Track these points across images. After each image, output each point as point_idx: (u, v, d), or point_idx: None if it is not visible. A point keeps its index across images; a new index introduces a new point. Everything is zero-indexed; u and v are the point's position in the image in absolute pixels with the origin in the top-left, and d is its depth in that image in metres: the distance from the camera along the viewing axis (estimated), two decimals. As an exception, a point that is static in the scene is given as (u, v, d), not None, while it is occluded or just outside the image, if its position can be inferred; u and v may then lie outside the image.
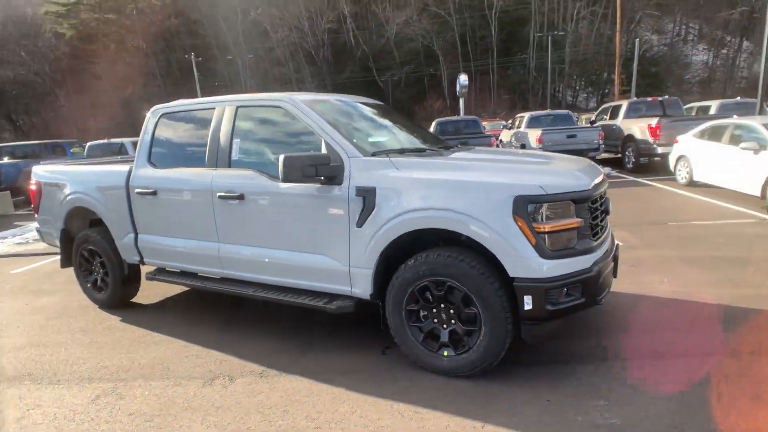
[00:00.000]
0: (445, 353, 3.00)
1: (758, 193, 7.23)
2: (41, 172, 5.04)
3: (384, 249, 3.02)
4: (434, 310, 3.02)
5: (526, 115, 15.54)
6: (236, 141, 3.67)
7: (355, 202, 3.08)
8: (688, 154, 9.44)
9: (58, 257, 5.12)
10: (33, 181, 5.07)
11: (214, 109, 3.83)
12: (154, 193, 4.00)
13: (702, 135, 9.10)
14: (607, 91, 46.52)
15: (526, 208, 2.68)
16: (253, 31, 50.72)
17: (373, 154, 3.22)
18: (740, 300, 3.88)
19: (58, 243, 4.99)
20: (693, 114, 14.09)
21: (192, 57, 41.67)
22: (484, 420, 2.56)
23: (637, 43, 34.32)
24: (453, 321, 2.97)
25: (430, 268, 2.90)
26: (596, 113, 16.04)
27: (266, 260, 3.53)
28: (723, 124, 8.71)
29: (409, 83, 49.65)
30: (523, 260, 2.69)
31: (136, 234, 4.27)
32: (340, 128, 3.35)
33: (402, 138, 4.07)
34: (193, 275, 4.11)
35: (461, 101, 24.42)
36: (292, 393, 2.95)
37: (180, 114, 4.12)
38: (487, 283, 2.76)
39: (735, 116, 9.50)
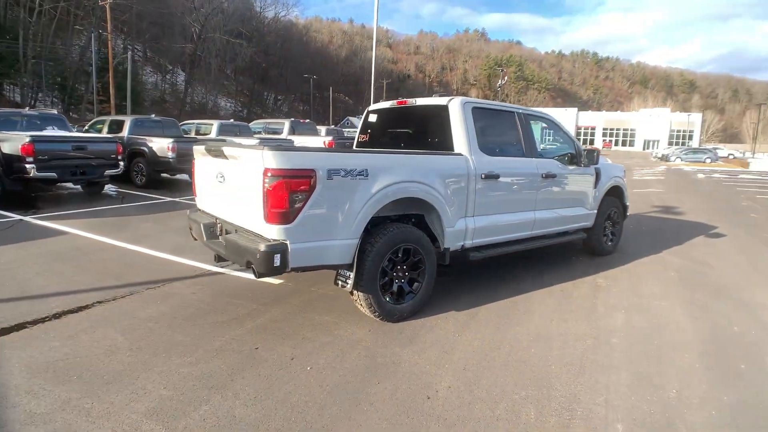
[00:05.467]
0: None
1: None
2: (321, 158, 3.53)
3: (603, 197, 6.14)
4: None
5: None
6: (537, 139, 5.30)
7: (594, 175, 5.97)
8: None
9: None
10: (292, 170, 3.40)
11: (513, 113, 5.14)
12: (497, 177, 4.70)
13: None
14: (78, 99, 43.83)
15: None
16: None
17: (582, 151, 6.16)
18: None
19: (330, 260, 3.68)
20: (193, 132, 16.13)
21: None
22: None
23: (129, 56, 35.38)
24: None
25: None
26: (88, 125, 14.64)
27: (558, 216, 5.52)
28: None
29: None
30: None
31: (465, 218, 4.56)
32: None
33: None
34: (506, 243, 5.03)
35: None
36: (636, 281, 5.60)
37: (487, 111, 4.90)
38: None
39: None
